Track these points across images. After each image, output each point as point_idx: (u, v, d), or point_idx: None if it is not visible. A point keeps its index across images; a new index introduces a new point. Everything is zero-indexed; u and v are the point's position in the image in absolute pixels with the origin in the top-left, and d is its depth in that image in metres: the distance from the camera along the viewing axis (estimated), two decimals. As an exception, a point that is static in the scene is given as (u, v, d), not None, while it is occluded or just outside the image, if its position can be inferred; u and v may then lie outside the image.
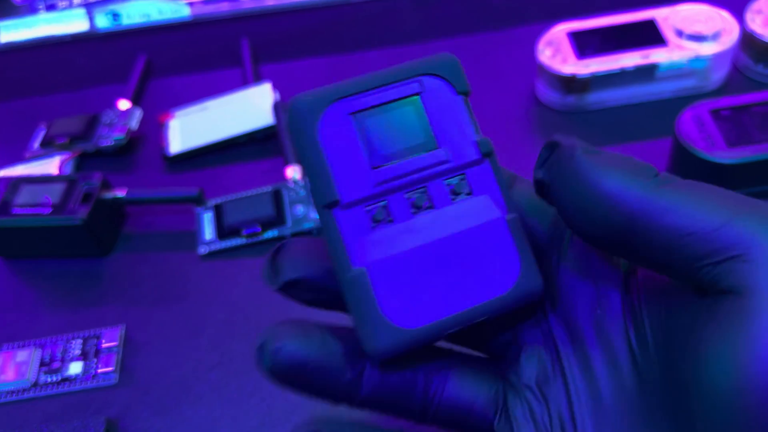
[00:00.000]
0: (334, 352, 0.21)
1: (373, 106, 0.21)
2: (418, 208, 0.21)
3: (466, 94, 0.22)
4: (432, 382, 0.22)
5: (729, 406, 0.17)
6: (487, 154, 0.22)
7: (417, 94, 0.21)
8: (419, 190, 0.21)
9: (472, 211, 0.21)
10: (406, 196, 0.21)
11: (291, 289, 0.22)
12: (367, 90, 0.21)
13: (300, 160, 0.22)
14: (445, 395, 0.22)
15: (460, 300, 0.20)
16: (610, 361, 0.20)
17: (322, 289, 0.22)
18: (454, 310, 0.20)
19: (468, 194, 0.21)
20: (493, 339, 0.23)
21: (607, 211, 0.19)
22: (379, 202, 0.21)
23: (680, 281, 0.19)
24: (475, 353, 0.24)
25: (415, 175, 0.21)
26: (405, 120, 0.21)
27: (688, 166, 0.39)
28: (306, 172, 0.21)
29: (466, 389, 0.22)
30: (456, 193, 0.21)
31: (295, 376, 0.21)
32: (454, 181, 0.21)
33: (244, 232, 0.42)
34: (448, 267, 0.21)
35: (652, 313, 0.20)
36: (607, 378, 0.20)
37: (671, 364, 0.19)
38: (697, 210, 0.18)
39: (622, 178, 0.19)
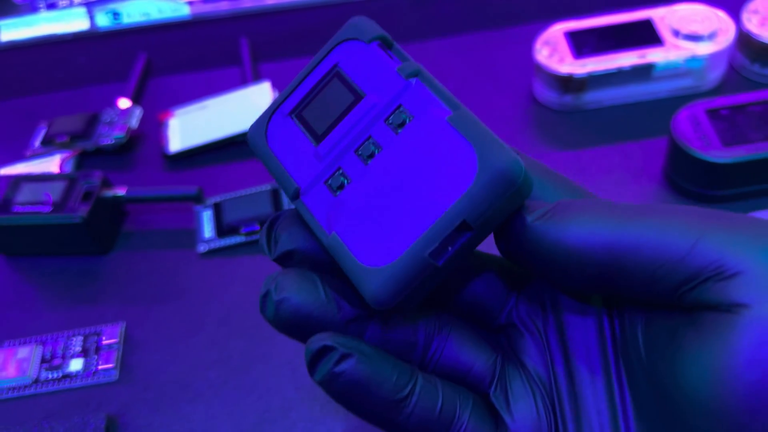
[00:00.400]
0: (337, 307, 0.21)
1: (303, 98, 0.22)
2: (369, 157, 0.20)
3: (378, 39, 0.22)
4: (432, 341, 0.22)
5: (709, 413, 0.17)
6: (411, 75, 0.20)
7: (334, 65, 0.22)
8: (365, 142, 0.21)
9: (417, 131, 0.20)
10: (356, 153, 0.21)
11: (287, 259, 0.22)
12: (295, 87, 0.22)
13: (270, 173, 0.23)
14: (444, 356, 0.22)
15: (429, 216, 0.19)
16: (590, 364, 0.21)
17: (318, 260, 0.22)
18: (426, 226, 0.19)
19: (410, 120, 0.20)
20: (489, 304, 0.23)
21: (578, 266, 0.19)
22: (334, 171, 0.21)
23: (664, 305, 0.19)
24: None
25: (354, 130, 0.21)
26: (333, 93, 0.22)
27: (683, 165, 0.39)
28: (275, 180, 0.22)
29: (465, 353, 0.22)
30: (398, 125, 0.20)
31: (297, 328, 0.20)
32: (391, 116, 0.21)
33: (243, 230, 0.42)
34: (407, 195, 0.20)
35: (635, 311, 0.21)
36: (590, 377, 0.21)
37: (653, 367, 0.19)
38: (663, 239, 0.18)
39: (581, 230, 0.19)
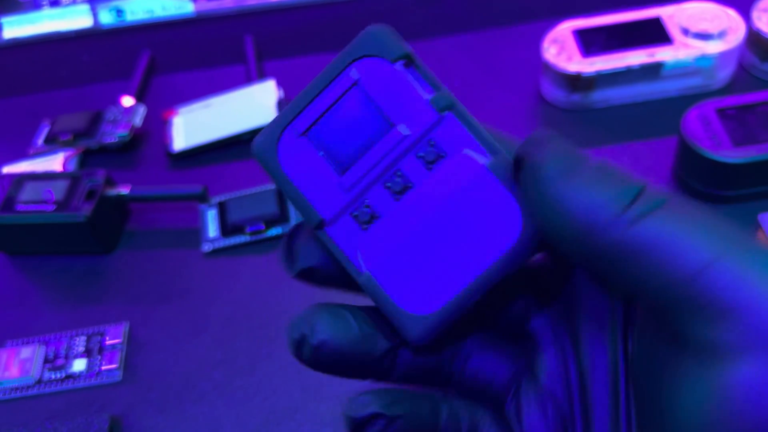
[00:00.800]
0: (371, 338, 0.20)
1: (318, 117, 0.20)
2: (399, 193, 0.20)
3: (403, 57, 0.20)
4: (456, 358, 0.22)
5: None
6: (445, 108, 0.19)
7: (354, 83, 0.20)
8: (394, 175, 0.20)
9: (452, 171, 0.19)
10: (385, 186, 0.20)
11: (308, 276, 0.21)
12: (309, 103, 0.20)
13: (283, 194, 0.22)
14: (467, 371, 0.22)
15: (471, 268, 0.19)
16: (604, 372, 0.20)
17: (338, 277, 0.21)
18: (470, 280, 0.19)
19: (442, 157, 0.19)
20: (507, 318, 0.22)
21: (573, 237, 0.17)
22: (360, 204, 0.20)
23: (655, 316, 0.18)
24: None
25: (383, 163, 0.20)
26: (353, 115, 0.20)
27: (693, 165, 0.39)
28: (288, 200, 0.21)
29: (487, 367, 0.22)
30: (430, 162, 0.19)
31: (334, 366, 0.20)
32: (423, 150, 0.19)
33: (247, 229, 0.41)
34: (447, 240, 0.19)
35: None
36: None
37: (654, 388, 0.18)
38: (671, 250, 0.16)
39: (589, 205, 0.16)
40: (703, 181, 0.39)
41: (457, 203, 0.19)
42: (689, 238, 0.16)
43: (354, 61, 0.20)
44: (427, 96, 0.19)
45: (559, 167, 0.17)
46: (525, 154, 0.18)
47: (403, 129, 0.19)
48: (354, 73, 0.20)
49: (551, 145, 0.18)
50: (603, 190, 0.17)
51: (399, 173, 0.20)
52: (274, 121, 0.20)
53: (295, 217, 0.42)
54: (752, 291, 0.15)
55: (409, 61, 0.20)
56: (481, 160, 0.19)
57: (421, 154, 0.19)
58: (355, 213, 0.20)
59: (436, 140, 0.19)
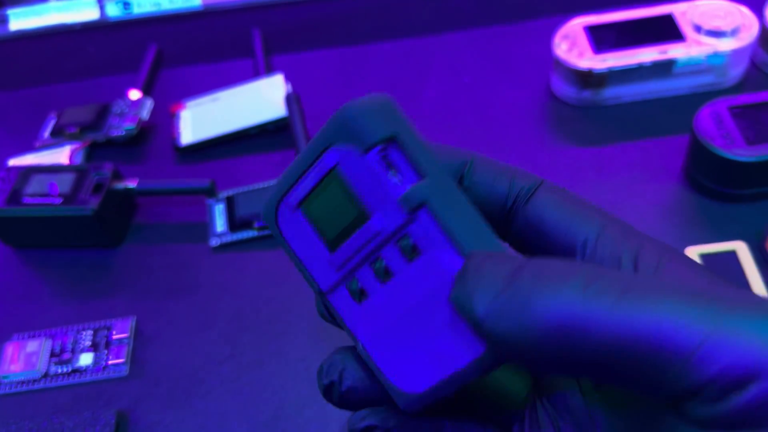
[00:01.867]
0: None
1: (307, 194, 0.20)
2: (384, 276, 0.20)
3: (381, 142, 0.19)
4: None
5: None
6: (418, 206, 0.18)
7: (334, 166, 0.19)
8: (377, 262, 0.20)
9: (427, 270, 0.19)
10: (371, 268, 0.20)
11: (348, 404, 0.23)
12: (299, 178, 0.20)
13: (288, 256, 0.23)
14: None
15: (447, 363, 0.19)
16: None
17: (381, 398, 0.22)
18: (446, 374, 0.19)
19: (418, 252, 0.19)
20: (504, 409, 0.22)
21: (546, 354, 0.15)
22: (351, 279, 0.20)
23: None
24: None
25: (365, 249, 0.20)
26: (336, 196, 0.20)
27: (706, 163, 0.39)
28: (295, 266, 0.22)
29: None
30: (408, 254, 0.19)
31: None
32: (402, 242, 0.19)
33: (256, 224, 0.41)
34: (428, 331, 0.19)
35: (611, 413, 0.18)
36: None
37: None
38: (658, 323, 0.14)
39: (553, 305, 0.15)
40: (715, 180, 0.39)
41: (434, 302, 0.19)
42: (677, 306, 0.14)
43: (329, 147, 0.19)
44: (401, 191, 0.18)
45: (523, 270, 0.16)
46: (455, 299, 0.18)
47: (378, 221, 0.19)
48: (330, 159, 0.19)
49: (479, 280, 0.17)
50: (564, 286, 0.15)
51: (381, 260, 0.20)
52: (273, 191, 0.21)
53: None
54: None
55: (389, 142, 0.19)
56: (451, 264, 0.18)
57: (400, 244, 0.19)
58: (350, 287, 0.21)
59: (411, 235, 0.19)
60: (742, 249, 0.35)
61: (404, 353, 0.20)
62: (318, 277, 0.21)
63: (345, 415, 0.33)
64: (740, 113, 0.39)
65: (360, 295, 0.20)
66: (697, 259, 0.35)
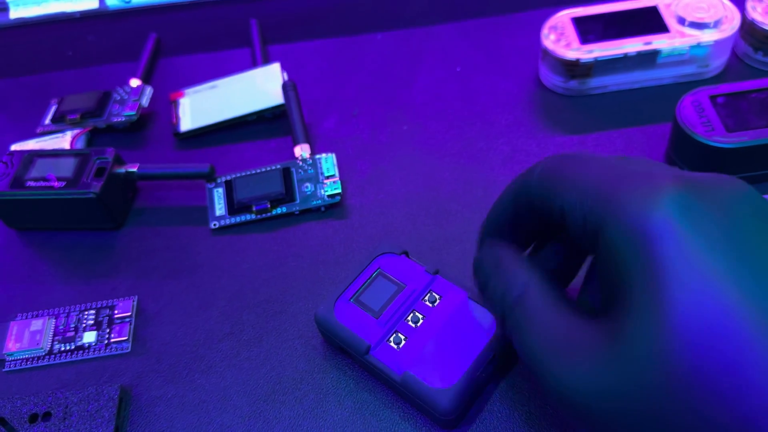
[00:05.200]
0: None
1: (359, 289, 0.35)
2: (417, 323, 0.34)
3: (404, 253, 0.37)
4: None
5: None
6: (434, 272, 0.35)
7: (378, 269, 0.36)
8: (411, 313, 0.34)
9: (448, 304, 0.34)
10: (406, 321, 0.34)
11: None
12: (352, 282, 0.35)
13: (334, 338, 0.35)
14: None
15: (471, 352, 0.32)
16: None
17: None
18: (472, 359, 0.32)
19: (439, 298, 0.34)
20: None
21: None
22: (392, 333, 0.33)
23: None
24: None
25: (403, 307, 0.34)
26: (380, 285, 0.35)
27: (687, 150, 0.40)
28: (341, 343, 0.34)
29: None
30: (433, 302, 0.34)
31: None
32: (428, 297, 0.34)
33: (254, 208, 0.42)
34: (452, 342, 0.33)
35: None
36: None
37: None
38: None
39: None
40: (696, 166, 0.40)
41: (454, 320, 0.33)
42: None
43: (376, 257, 0.36)
44: (423, 268, 0.36)
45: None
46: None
47: (411, 287, 0.35)
48: (378, 262, 0.36)
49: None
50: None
51: (414, 312, 0.34)
52: (332, 296, 0.35)
53: (300, 196, 0.43)
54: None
55: (407, 254, 0.37)
56: (460, 298, 0.34)
57: (426, 298, 0.34)
58: (391, 339, 0.33)
59: (434, 290, 0.35)
60: (720, 231, 0.37)
61: (439, 362, 0.32)
62: (366, 337, 0.33)
63: (342, 390, 0.35)
64: (721, 102, 0.41)
65: (400, 342, 0.33)
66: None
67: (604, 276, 0.23)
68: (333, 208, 0.43)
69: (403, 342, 0.33)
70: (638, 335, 0.20)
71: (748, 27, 0.47)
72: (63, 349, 0.39)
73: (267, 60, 0.54)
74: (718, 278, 0.20)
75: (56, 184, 0.42)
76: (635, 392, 0.20)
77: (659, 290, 0.20)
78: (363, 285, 0.35)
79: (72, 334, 0.39)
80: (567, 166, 0.26)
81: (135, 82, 0.52)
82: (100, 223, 0.43)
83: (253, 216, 0.43)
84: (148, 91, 0.51)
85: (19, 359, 0.38)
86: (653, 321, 0.20)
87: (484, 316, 0.33)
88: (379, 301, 0.34)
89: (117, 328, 0.39)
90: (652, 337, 0.20)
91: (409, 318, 0.34)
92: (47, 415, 0.35)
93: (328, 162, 0.44)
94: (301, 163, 0.44)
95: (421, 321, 0.33)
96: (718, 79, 0.47)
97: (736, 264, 0.20)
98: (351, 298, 0.35)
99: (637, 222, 0.21)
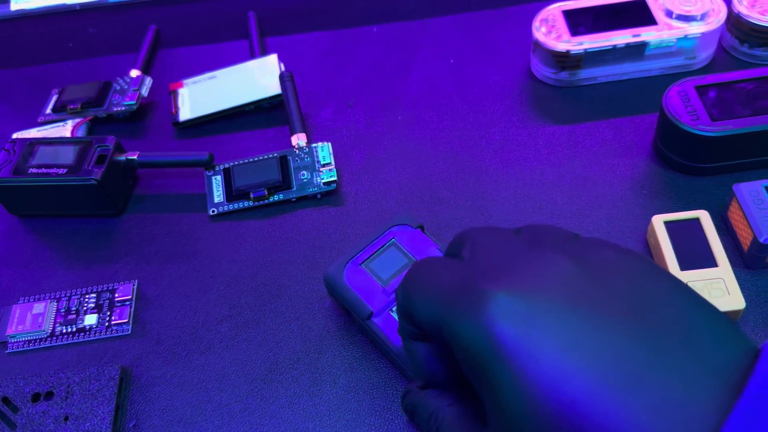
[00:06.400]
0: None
1: (371, 256, 0.36)
2: None
3: (420, 227, 0.37)
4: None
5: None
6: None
7: (392, 239, 0.36)
8: None
9: None
10: None
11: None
12: (365, 248, 0.36)
13: (339, 299, 0.35)
14: None
15: None
16: None
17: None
18: None
19: None
20: None
21: None
22: (396, 305, 0.32)
23: None
24: None
25: None
26: (392, 255, 0.36)
27: (673, 138, 0.41)
28: (346, 304, 0.35)
29: None
30: None
31: None
32: None
33: (252, 195, 0.43)
34: None
35: None
36: None
37: None
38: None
39: None
40: (681, 154, 0.42)
41: None
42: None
43: (392, 226, 0.37)
44: (435, 245, 0.36)
45: None
46: None
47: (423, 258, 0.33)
48: (391, 233, 0.37)
49: None
50: None
51: None
52: (343, 257, 0.36)
53: (296, 183, 0.44)
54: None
55: (422, 229, 0.37)
56: None
57: None
58: (393, 309, 0.34)
59: None
60: (705, 217, 0.38)
61: None
62: (371, 303, 0.34)
63: (336, 369, 0.36)
64: (706, 92, 0.42)
65: None
66: (663, 226, 0.38)
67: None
68: (329, 195, 0.44)
69: None
70: None
71: (734, 20, 0.48)
72: (65, 331, 0.39)
73: (264, 51, 0.54)
74: (548, 375, 0.21)
75: (59, 170, 0.43)
76: None
77: (502, 394, 0.21)
78: (375, 252, 0.36)
79: (73, 316, 0.40)
80: (418, 278, 0.27)
81: (135, 73, 0.52)
82: (101, 209, 0.44)
83: (251, 203, 0.44)
84: (148, 81, 0.51)
85: (22, 341, 0.39)
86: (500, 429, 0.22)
87: None
88: (389, 271, 0.35)
89: (118, 310, 0.40)
90: None
91: None
92: (49, 395, 0.36)
93: (324, 150, 0.45)
94: (297, 151, 0.45)
95: None
96: (705, 70, 0.48)
97: (564, 357, 0.21)
98: (362, 263, 0.36)
99: (471, 342, 0.22)
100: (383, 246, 0.36)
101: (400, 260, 0.35)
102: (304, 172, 0.44)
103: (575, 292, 0.22)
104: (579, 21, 0.48)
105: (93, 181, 0.42)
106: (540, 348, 0.21)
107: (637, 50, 0.47)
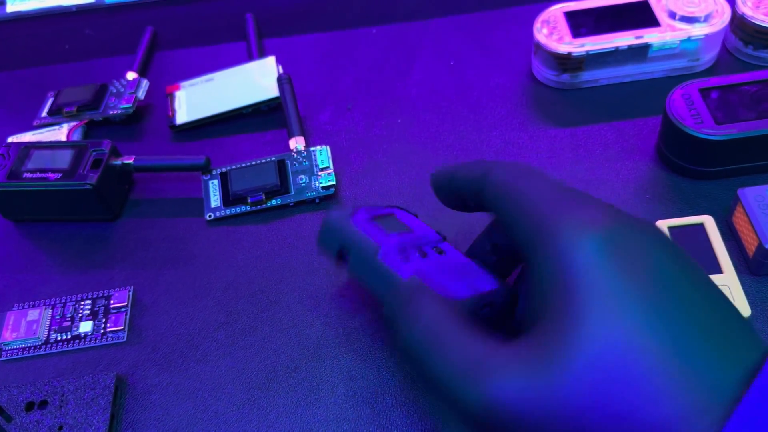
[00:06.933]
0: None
1: (377, 217, 0.34)
2: (424, 255, 0.32)
3: (415, 215, 0.37)
4: None
5: None
6: (444, 238, 0.35)
7: (392, 213, 0.36)
8: (419, 250, 0.33)
9: (453, 259, 0.33)
10: (415, 250, 0.32)
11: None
12: (366, 210, 0.35)
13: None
14: None
15: (473, 290, 0.31)
16: None
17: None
18: (475, 293, 0.30)
19: (446, 253, 0.33)
20: None
21: None
22: (400, 248, 0.32)
23: None
24: None
25: (412, 243, 0.33)
26: (392, 223, 0.34)
27: (676, 142, 0.41)
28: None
29: None
30: (440, 252, 0.33)
31: None
32: (435, 248, 0.33)
33: (250, 199, 0.43)
34: (457, 277, 0.31)
35: None
36: None
37: None
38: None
39: None
40: (685, 158, 0.41)
41: (459, 269, 0.32)
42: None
43: (391, 206, 0.37)
44: (433, 230, 0.35)
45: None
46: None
47: (418, 233, 0.34)
48: (390, 210, 0.36)
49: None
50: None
51: (422, 249, 0.33)
52: (349, 209, 0.34)
53: (294, 188, 0.43)
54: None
55: (416, 216, 0.37)
56: (465, 259, 0.34)
57: (434, 248, 0.33)
58: (399, 250, 0.32)
59: (441, 247, 0.34)
60: (709, 222, 0.37)
61: (443, 286, 0.30)
62: (375, 240, 0.32)
63: (333, 377, 0.35)
64: (710, 95, 0.41)
65: (406, 258, 0.31)
66: (667, 232, 0.37)
67: (530, 291, 0.25)
68: (327, 199, 0.44)
69: (408, 261, 0.31)
70: (556, 360, 0.22)
71: (738, 21, 0.47)
72: (59, 338, 0.39)
73: (262, 54, 0.54)
74: (630, 319, 0.21)
75: (54, 174, 0.42)
76: (556, 402, 0.22)
77: (577, 322, 0.21)
78: (376, 217, 0.34)
79: (68, 323, 0.39)
80: (517, 181, 0.27)
81: (131, 75, 0.52)
82: (96, 214, 0.44)
83: (249, 207, 0.43)
84: (145, 84, 0.51)
85: (16, 348, 0.39)
86: (567, 351, 0.22)
87: (488, 278, 0.32)
88: (391, 228, 0.34)
89: (113, 317, 0.39)
90: (568, 364, 0.21)
91: (416, 252, 0.32)
92: (44, 404, 0.35)
93: (323, 154, 0.45)
94: (295, 155, 0.45)
95: (427, 257, 0.32)
96: (708, 72, 0.48)
97: (648, 305, 0.21)
98: (371, 217, 0.34)
99: (565, 251, 0.23)
100: (383, 216, 0.35)
101: (401, 225, 0.34)
102: (303, 177, 0.44)
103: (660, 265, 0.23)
104: (581, 22, 0.47)
105: (88, 186, 0.42)
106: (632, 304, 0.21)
107: (639, 52, 0.46)
